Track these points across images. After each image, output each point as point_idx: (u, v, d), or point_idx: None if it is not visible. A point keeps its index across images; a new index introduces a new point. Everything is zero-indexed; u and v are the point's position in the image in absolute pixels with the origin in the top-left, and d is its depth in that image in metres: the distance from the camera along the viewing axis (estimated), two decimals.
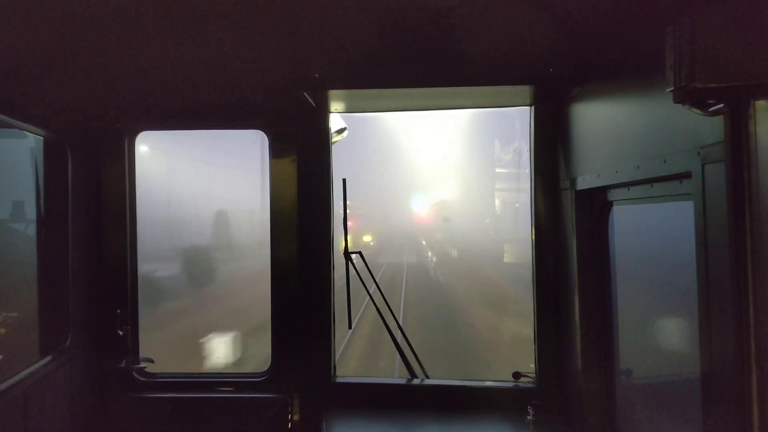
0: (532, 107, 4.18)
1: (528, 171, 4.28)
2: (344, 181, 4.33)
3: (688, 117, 2.05)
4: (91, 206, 4.17)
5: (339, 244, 4.40)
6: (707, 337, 2.07)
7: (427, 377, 4.32)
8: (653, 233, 3.12)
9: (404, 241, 40.42)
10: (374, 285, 4.42)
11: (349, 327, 4.38)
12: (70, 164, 3.91)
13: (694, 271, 2.15)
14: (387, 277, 24.97)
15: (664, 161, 2.35)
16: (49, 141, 3.89)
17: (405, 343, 4.47)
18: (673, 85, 1.96)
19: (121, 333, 4.16)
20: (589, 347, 3.53)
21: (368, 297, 4.44)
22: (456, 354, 13.64)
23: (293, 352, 4.20)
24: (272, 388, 4.18)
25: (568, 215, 3.76)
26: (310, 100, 3.94)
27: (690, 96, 1.93)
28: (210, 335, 8.35)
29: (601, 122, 3.25)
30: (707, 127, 2.02)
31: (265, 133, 4.28)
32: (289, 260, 4.23)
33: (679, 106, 1.99)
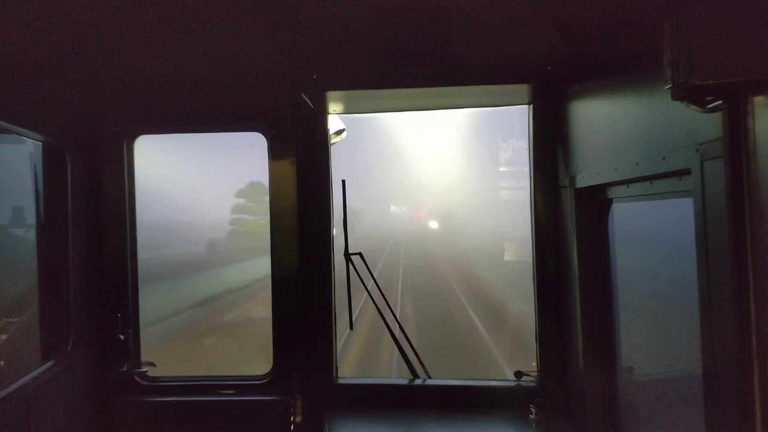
0: (531, 106, 4.18)
1: (527, 169, 4.29)
2: (343, 182, 4.33)
3: (687, 114, 2.05)
4: (91, 210, 4.17)
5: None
6: (708, 334, 2.07)
7: (429, 377, 4.32)
8: (653, 230, 3.12)
9: (400, 246, 38.65)
10: (375, 287, 4.42)
11: (350, 328, 4.39)
12: (69, 168, 3.91)
13: (695, 267, 2.15)
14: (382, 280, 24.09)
15: (663, 158, 2.35)
16: (48, 145, 3.89)
17: (406, 343, 4.48)
18: (671, 82, 1.95)
19: (122, 337, 4.17)
20: (591, 345, 3.53)
21: (369, 298, 4.44)
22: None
23: (295, 354, 4.20)
24: (274, 390, 4.18)
25: (567, 213, 3.76)
26: (309, 101, 3.95)
27: (688, 93, 1.92)
28: None
29: (600, 120, 3.25)
30: (706, 123, 2.02)
31: (264, 134, 4.28)
32: (290, 262, 4.23)
33: (678, 102, 1.99)
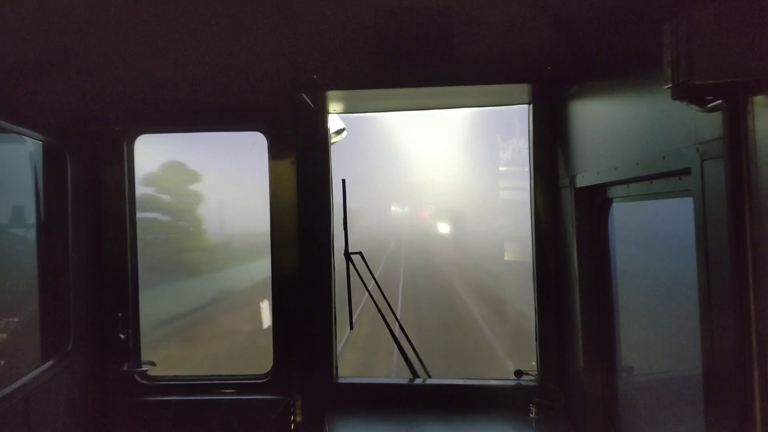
0: (531, 105, 4.18)
1: (527, 169, 4.29)
2: (344, 181, 4.33)
3: (687, 113, 2.05)
4: (91, 210, 4.17)
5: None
6: (708, 334, 2.07)
7: (429, 377, 4.32)
8: (653, 230, 3.12)
9: (401, 248, 36.67)
10: (375, 286, 4.42)
11: (351, 327, 4.39)
12: (69, 168, 3.91)
13: (695, 267, 2.15)
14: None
15: (663, 158, 2.35)
16: (48, 145, 3.89)
17: (406, 342, 4.48)
18: (671, 81, 1.96)
19: (122, 337, 4.17)
20: (591, 345, 3.53)
21: (370, 298, 4.44)
22: None
23: (295, 353, 4.20)
24: (274, 389, 4.18)
25: (567, 213, 3.76)
26: (309, 101, 3.95)
27: (688, 93, 1.93)
28: None
29: (600, 120, 3.25)
30: (706, 123, 2.02)
31: (264, 134, 4.28)
32: (290, 261, 4.23)
33: (678, 102, 1.99)
